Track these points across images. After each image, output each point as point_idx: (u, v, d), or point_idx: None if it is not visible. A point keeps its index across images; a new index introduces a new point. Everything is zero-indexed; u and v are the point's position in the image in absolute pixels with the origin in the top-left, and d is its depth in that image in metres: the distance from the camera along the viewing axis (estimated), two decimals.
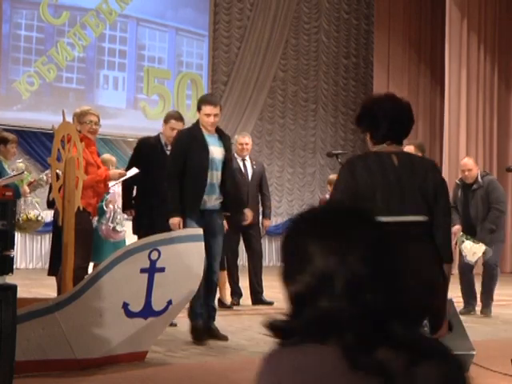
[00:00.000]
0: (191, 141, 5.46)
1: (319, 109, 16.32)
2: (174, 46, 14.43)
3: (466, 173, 7.37)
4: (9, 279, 3.54)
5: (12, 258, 3.51)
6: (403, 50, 15.89)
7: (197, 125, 5.57)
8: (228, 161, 5.64)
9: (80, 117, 5.54)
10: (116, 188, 6.41)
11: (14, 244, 3.56)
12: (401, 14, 15.89)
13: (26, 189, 6.48)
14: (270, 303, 7.77)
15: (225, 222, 5.89)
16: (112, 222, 6.29)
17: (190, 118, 14.36)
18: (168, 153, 5.95)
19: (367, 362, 1.27)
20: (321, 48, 16.36)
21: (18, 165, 6.60)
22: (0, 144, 6.53)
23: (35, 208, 6.29)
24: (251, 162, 8.01)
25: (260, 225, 8.01)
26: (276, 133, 15.75)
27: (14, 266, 3.64)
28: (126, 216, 6.57)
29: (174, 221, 5.25)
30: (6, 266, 3.47)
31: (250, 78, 15.19)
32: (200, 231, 4.84)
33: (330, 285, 1.29)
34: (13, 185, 6.07)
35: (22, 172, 6.20)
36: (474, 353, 4.49)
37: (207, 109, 5.46)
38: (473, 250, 7.06)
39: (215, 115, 5.48)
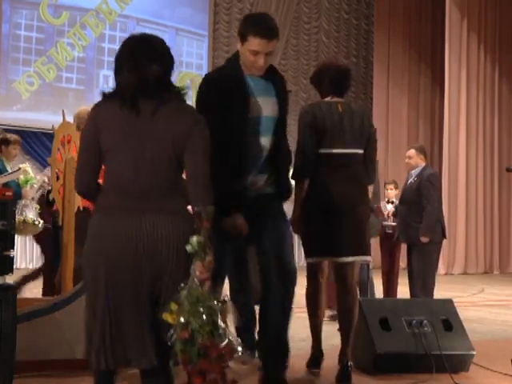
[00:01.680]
0: (225, 87, 3.44)
1: None
2: (174, 46, 14.41)
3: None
4: (9, 279, 3.54)
5: (12, 258, 3.51)
6: (403, 49, 15.89)
7: (235, 61, 3.54)
8: (282, 119, 3.69)
9: (82, 117, 5.52)
10: None
11: (14, 244, 3.55)
12: (401, 14, 15.90)
13: (29, 192, 6.47)
14: None
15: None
16: None
17: None
18: None
19: (130, 104, 2.78)
20: (321, 48, 16.36)
21: (20, 166, 6.59)
22: (1, 145, 6.52)
23: (32, 212, 6.25)
24: None
25: None
26: None
27: (14, 266, 3.63)
28: None
29: (238, 220, 3.40)
30: (6, 266, 3.46)
31: None
32: None
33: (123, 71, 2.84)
34: (15, 185, 6.07)
35: (19, 169, 6.18)
36: (474, 353, 4.49)
37: (255, 42, 3.39)
38: None
39: (267, 54, 3.43)
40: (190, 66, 14.67)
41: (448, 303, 4.79)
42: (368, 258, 4.22)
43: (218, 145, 3.08)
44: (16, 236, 3.74)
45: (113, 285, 2.75)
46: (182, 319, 2.45)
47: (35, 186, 6.44)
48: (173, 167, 2.82)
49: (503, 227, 15.25)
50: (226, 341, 2.44)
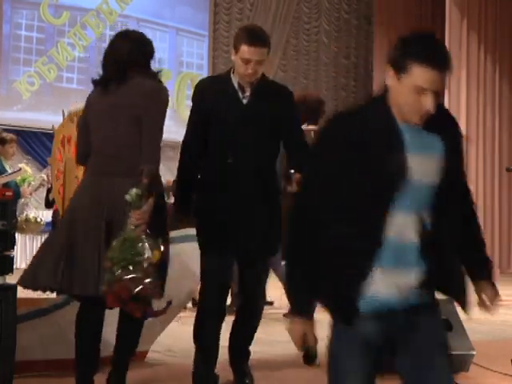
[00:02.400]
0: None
1: None
2: (174, 46, 14.43)
3: None
4: (9, 279, 3.54)
5: (12, 258, 3.51)
6: None
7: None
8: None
9: None
10: None
11: (14, 244, 3.55)
12: (401, 14, 15.89)
13: (27, 189, 6.50)
14: (270, 303, 7.75)
15: None
16: None
17: None
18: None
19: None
20: (321, 48, 16.36)
21: (19, 165, 6.60)
22: None
23: (33, 210, 6.29)
24: None
25: None
26: None
27: (14, 266, 3.64)
28: None
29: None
30: (6, 266, 3.46)
31: None
32: None
33: None
34: (13, 184, 6.08)
35: (20, 169, 6.20)
36: (474, 353, 4.49)
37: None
38: None
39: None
40: (191, 66, 14.67)
41: (448, 303, 4.78)
42: None
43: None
44: (17, 235, 3.74)
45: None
46: (108, 253, 3.04)
47: (33, 183, 6.46)
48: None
49: (503, 227, 15.24)
50: (148, 280, 3.02)
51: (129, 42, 3.50)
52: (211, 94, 3.67)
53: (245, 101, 3.62)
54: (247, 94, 3.62)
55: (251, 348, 4.11)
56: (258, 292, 3.93)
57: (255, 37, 3.51)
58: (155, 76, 3.50)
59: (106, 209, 3.24)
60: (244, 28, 3.74)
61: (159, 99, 3.37)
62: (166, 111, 3.39)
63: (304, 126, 4.47)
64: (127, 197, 3.08)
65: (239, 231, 3.59)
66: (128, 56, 3.43)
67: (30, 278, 3.33)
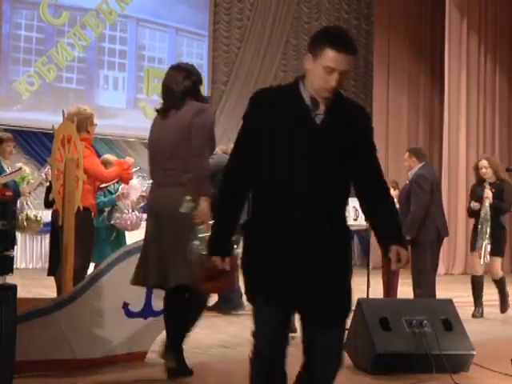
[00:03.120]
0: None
1: None
2: (174, 46, 14.43)
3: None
4: (9, 279, 3.54)
5: (12, 258, 3.51)
6: (403, 49, 15.88)
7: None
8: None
9: (91, 119, 5.54)
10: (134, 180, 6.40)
11: (14, 244, 3.55)
12: (401, 14, 15.89)
13: (26, 188, 6.50)
14: None
15: None
16: (134, 211, 6.35)
17: None
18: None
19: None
20: None
21: (17, 165, 6.62)
22: None
23: (33, 208, 6.32)
24: None
25: None
26: None
27: (14, 266, 3.63)
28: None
29: None
30: (6, 266, 3.47)
31: (250, 78, 15.19)
32: None
33: None
34: (12, 184, 6.08)
35: (20, 168, 6.21)
36: (474, 353, 4.49)
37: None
38: None
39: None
40: None
41: (448, 303, 4.79)
42: None
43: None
44: (17, 235, 3.74)
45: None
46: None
47: (32, 181, 6.47)
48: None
49: None
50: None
51: (181, 74, 4.12)
52: (272, 110, 2.79)
53: (318, 120, 2.78)
54: (321, 111, 2.79)
55: (249, 348, 4.09)
56: (331, 366, 2.98)
57: (344, 41, 2.82)
58: (205, 100, 4.18)
59: (161, 215, 4.04)
60: (327, 29, 2.99)
61: (204, 116, 4.02)
62: (211, 127, 4.05)
63: None
64: (183, 204, 3.84)
65: (304, 285, 2.76)
66: (182, 86, 4.07)
67: (142, 278, 4.13)
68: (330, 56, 2.74)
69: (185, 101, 4.05)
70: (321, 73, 2.75)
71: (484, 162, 7.47)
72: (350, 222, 7.20)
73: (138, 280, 4.18)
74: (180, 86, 4.08)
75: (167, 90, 4.14)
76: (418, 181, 6.84)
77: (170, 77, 4.16)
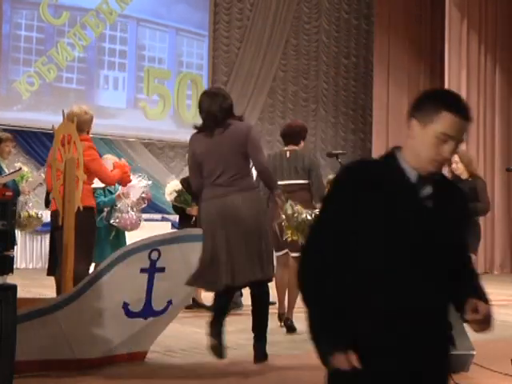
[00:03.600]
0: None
1: (319, 109, 16.32)
2: (174, 46, 14.43)
3: None
4: (9, 279, 3.54)
5: (12, 258, 3.51)
6: (403, 49, 15.89)
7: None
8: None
9: (92, 121, 5.62)
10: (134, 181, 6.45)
11: (14, 244, 3.55)
12: (401, 14, 15.89)
13: (26, 187, 6.52)
14: (272, 303, 7.75)
15: None
16: (132, 210, 6.36)
17: (189, 118, 14.43)
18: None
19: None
20: (321, 48, 16.36)
21: (16, 165, 6.64)
22: None
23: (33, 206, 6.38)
24: None
25: None
26: (276, 133, 15.72)
27: (14, 266, 3.64)
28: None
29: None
30: (6, 266, 3.47)
31: (250, 78, 15.19)
32: (200, 231, 4.83)
33: None
34: (12, 183, 6.09)
35: (20, 169, 6.23)
36: (474, 353, 4.49)
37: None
38: None
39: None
40: (190, 66, 14.67)
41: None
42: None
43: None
44: (18, 235, 3.75)
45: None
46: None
47: (30, 179, 6.49)
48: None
49: (503, 227, 15.24)
50: None
51: (219, 99, 4.74)
52: (373, 189, 2.20)
53: (429, 204, 2.23)
54: (428, 191, 2.24)
55: (249, 348, 4.10)
56: None
57: (464, 104, 2.35)
58: (241, 118, 4.85)
59: (225, 220, 4.58)
60: (441, 91, 2.49)
61: (255, 131, 4.90)
62: (260, 141, 4.91)
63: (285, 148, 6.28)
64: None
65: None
66: (222, 109, 4.70)
67: (214, 283, 4.59)
68: (448, 121, 2.21)
69: (226, 120, 4.71)
70: (432, 142, 2.19)
71: (454, 157, 7.26)
72: None
73: (199, 283, 4.71)
74: (221, 110, 4.72)
75: (208, 113, 4.74)
76: None
77: (208, 102, 4.75)
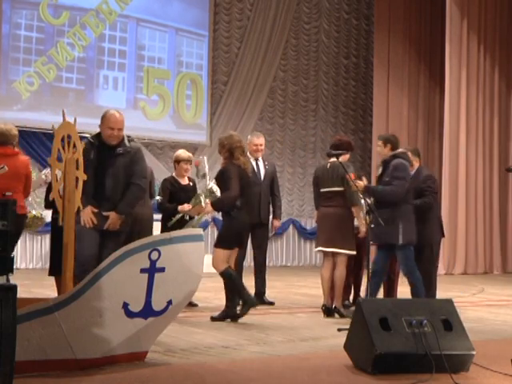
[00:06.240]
0: None
1: (319, 109, 16.32)
2: (174, 46, 14.43)
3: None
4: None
5: (12, 258, 3.51)
6: (403, 49, 15.89)
7: None
8: None
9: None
10: None
11: (14, 244, 3.55)
12: (401, 14, 15.89)
13: None
14: (272, 303, 7.76)
15: None
16: None
17: (189, 118, 14.44)
18: None
19: None
20: (321, 48, 16.36)
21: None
22: None
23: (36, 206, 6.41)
24: (264, 163, 8.09)
25: (269, 225, 8.12)
26: (276, 133, 15.74)
27: (14, 266, 3.63)
28: None
29: None
30: (6, 266, 3.47)
31: (250, 77, 15.19)
32: (200, 231, 4.83)
33: None
34: None
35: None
36: (474, 353, 4.49)
37: None
38: None
39: None
40: (190, 66, 14.66)
41: (448, 303, 4.79)
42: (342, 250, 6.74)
43: None
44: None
45: None
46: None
47: (34, 178, 6.49)
48: None
49: (503, 227, 15.24)
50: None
51: None
52: None
53: None
54: None
55: (249, 348, 4.09)
56: None
57: None
58: None
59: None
60: None
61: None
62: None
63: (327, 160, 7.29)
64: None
65: None
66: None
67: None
68: None
69: None
70: None
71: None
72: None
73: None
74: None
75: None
76: (426, 181, 7.08)
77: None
